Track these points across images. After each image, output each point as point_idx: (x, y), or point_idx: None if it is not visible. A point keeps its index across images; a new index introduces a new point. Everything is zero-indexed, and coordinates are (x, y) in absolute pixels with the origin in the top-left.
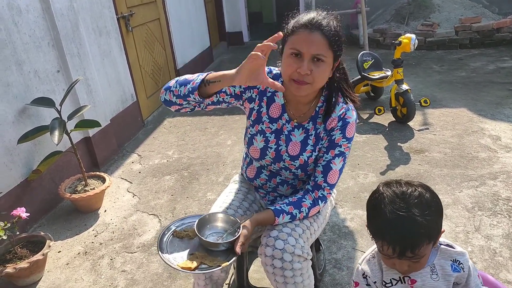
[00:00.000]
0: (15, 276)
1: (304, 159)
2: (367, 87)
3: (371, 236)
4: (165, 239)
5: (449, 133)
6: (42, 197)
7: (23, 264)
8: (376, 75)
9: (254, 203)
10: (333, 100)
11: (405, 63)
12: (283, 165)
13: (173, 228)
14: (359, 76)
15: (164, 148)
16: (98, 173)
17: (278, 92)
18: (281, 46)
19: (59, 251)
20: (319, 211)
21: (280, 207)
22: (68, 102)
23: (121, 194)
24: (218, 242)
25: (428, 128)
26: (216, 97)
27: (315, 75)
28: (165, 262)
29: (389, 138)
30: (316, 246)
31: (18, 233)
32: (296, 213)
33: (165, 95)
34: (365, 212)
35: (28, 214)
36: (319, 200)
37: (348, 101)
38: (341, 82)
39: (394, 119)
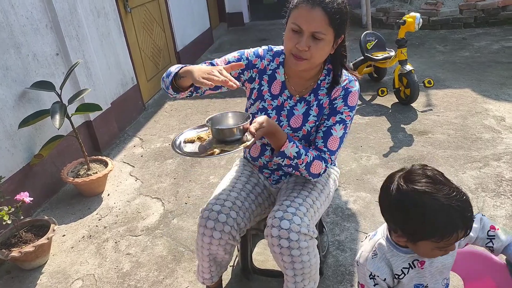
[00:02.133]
0: (20, 259)
1: (307, 129)
2: (370, 68)
3: (436, 238)
4: (177, 144)
5: (453, 114)
6: (44, 181)
7: (28, 248)
8: (380, 55)
9: (257, 186)
10: (338, 72)
11: (408, 43)
12: None
13: (184, 133)
14: (362, 57)
15: (166, 131)
16: (100, 157)
17: (279, 69)
18: (286, 18)
19: (64, 235)
20: (321, 172)
21: (293, 139)
22: (68, 85)
23: (124, 178)
24: (233, 127)
25: (431, 109)
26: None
27: (313, 52)
28: (188, 154)
29: (392, 119)
30: (320, 228)
31: (22, 217)
32: (302, 153)
33: (162, 84)
34: (368, 194)
35: (32, 199)
36: (322, 159)
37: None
38: (342, 59)
39: (397, 101)
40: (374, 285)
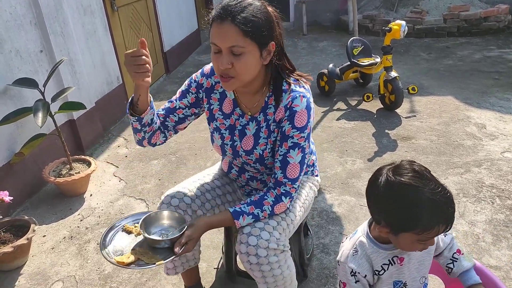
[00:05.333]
0: None
1: (259, 153)
2: (356, 74)
3: (417, 230)
4: (112, 232)
5: (436, 121)
6: (25, 180)
7: (7, 248)
8: (365, 61)
9: (228, 185)
10: (280, 88)
11: (393, 50)
12: (242, 160)
13: (124, 223)
14: (349, 62)
15: None
16: (83, 156)
17: None
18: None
19: (44, 236)
20: (288, 206)
21: (240, 208)
22: (52, 83)
23: (107, 178)
24: (160, 239)
25: (415, 116)
26: (175, 115)
27: (237, 68)
28: (102, 255)
29: (377, 125)
30: (304, 231)
31: (1, 217)
32: (258, 213)
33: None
34: (352, 198)
35: (11, 198)
36: (283, 196)
37: (302, 83)
38: (281, 67)
39: (382, 106)
40: (356, 282)
